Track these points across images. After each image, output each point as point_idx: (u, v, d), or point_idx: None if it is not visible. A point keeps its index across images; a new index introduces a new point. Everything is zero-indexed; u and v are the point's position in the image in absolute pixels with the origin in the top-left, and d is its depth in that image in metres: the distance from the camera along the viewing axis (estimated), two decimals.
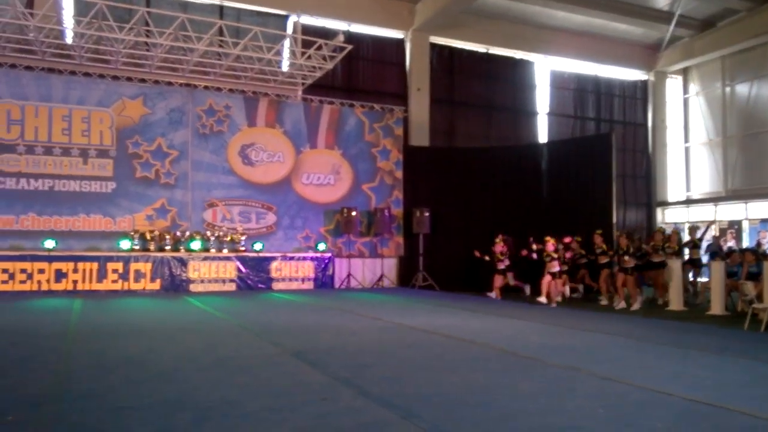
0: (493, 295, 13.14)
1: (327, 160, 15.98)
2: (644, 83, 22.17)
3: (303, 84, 15.87)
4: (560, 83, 20.62)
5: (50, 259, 12.63)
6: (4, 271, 12.28)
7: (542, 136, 19.98)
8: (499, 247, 12.97)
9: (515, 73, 19.85)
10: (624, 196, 20.94)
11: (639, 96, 22.17)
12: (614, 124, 21.34)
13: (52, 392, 4.45)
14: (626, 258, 11.34)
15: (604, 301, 12.20)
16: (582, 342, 7.20)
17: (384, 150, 16.57)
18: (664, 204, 22.03)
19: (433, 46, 18.31)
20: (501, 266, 13.02)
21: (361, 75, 17.60)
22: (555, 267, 11.87)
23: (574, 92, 20.87)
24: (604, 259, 12.15)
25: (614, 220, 14.50)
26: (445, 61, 18.71)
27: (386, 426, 3.71)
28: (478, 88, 19.11)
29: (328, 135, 16.07)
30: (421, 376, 5.19)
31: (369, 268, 16.32)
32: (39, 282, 12.48)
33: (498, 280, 13.12)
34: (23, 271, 12.44)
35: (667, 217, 22.04)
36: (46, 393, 4.41)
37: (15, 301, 10.68)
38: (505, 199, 15.87)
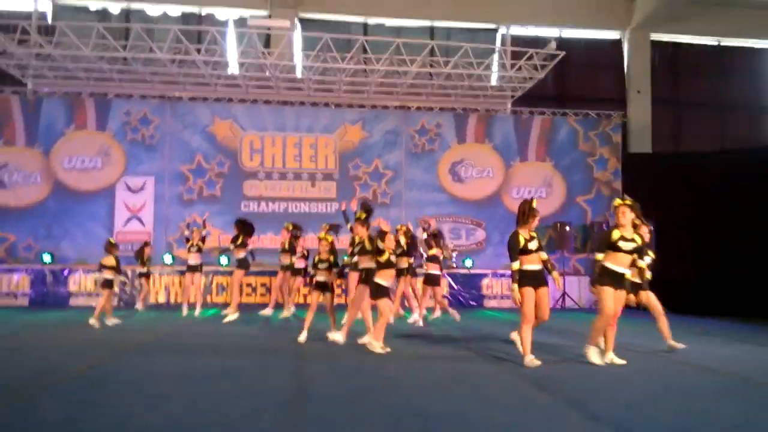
0: None
1: (538, 173, 15.55)
2: None
3: (512, 96, 15.68)
4: None
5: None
6: (248, 285, 13.84)
7: None
8: None
9: (753, 66, 17.50)
10: None
11: None
12: None
13: (297, 395, 4.84)
14: None
15: None
16: None
17: (600, 159, 15.66)
18: None
19: (654, 43, 16.94)
20: None
21: (574, 81, 16.87)
22: None
23: None
24: None
25: None
26: (668, 58, 17.17)
27: None
28: (707, 85, 17.20)
29: (539, 147, 15.64)
30: (659, 404, 4.69)
31: (585, 286, 15.42)
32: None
33: None
34: (263, 285, 13.94)
35: None
36: (292, 397, 4.81)
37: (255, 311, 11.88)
38: (744, 211, 13.69)
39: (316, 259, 7.83)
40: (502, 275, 14.63)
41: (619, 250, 6.24)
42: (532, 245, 6.26)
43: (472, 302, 14.38)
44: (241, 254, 10.77)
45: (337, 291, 10.79)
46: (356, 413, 4.26)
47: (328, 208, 14.97)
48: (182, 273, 12.55)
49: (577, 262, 15.38)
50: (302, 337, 7.61)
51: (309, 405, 4.51)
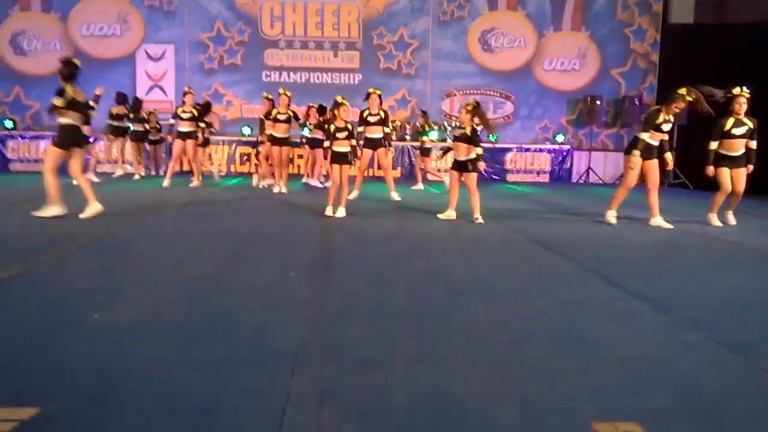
0: None
1: (572, 43, 14.84)
2: None
3: None
4: None
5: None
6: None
7: None
8: None
9: None
10: None
11: None
12: None
13: (323, 260, 4.96)
14: None
15: None
16: None
17: (639, 30, 14.82)
18: None
19: None
20: None
21: None
22: None
23: None
24: None
25: None
26: None
27: (641, 316, 3.44)
28: None
29: (575, 15, 14.79)
30: (678, 273, 4.72)
31: (611, 162, 15.21)
32: (299, 166, 13.90)
33: None
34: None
35: None
36: (317, 261, 4.94)
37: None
38: None
39: (333, 128, 7.42)
40: (527, 150, 14.45)
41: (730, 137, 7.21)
42: (666, 127, 6.83)
43: (495, 176, 14.33)
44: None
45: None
46: (378, 278, 4.36)
47: (350, 79, 14.60)
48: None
49: (606, 138, 15.05)
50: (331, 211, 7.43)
51: (332, 269, 4.63)
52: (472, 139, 7.03)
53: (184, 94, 10.87)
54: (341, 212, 7.30)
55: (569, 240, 6.12)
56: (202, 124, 11.05)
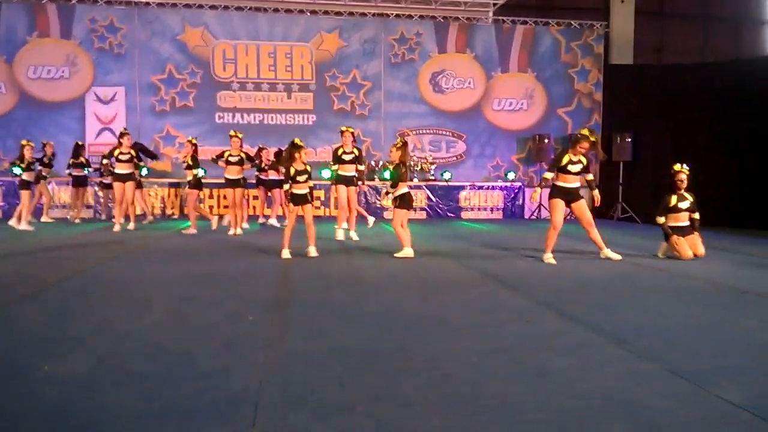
0: None
1: (520, 84, 15.35)
2: None
3: (494, 5, 15.20)
4: None
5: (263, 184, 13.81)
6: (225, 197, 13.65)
7: None
8: None
9: None
10: None
11: None
12: None
13: (283, 300, 4.91)
14: None
15: None
16: None
17: (582, 70, 15.47)
18: None
19: None
20: None
21: None
22: None
23: None
24: None
25: None
26: None
27: (596, 347, 3.52)
28: None
29: (521, 57, 15.34)
30: (631, 306, 4.85)
31: None
32: (254, 207, 13.77)
33: None
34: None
35: None
36: (276, 301, 4.87)
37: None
38: (725, 125, 13.43)
39: (293, 171, 7.47)
40: (480, 187, 14.73)
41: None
42: (574, 168, 7.10)
43: (450, 213, 14.52)
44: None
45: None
46: (339, 316, 4.34)
47: (305, 119, 14.70)
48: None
49: None
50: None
51: (291, 309, 4.59)
52: (401, 176, 7.27)
53: (121, 135, 10.77)
54: (313, 251, 7.37)
55: (523, 275, 6.23)
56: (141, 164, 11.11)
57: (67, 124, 13.87)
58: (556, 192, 7.22)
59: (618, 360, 3.33)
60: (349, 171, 9.16)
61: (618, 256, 7.26)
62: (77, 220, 12.09)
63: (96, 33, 13.98)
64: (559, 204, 7.18)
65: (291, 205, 7.43)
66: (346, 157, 9.09)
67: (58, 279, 5.62)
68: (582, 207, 7.26)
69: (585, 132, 7.19)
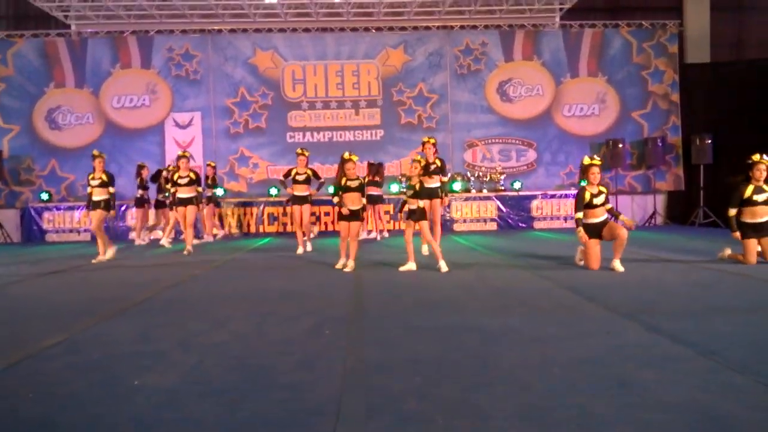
0: None
1: (590, 89, 14.97)
2: None
3: (561, 9, 14.93)
4: None
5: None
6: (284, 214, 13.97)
7: None
8: None
9: None
10: None
11: None
12: None
13: (357, 313, 4.98)
14: None
15: None
16: None
17: (656, 71, 14.92)
18: None
19: None
20: None
21: None
22: None
23: None
24: None
25: None
26: None
27: (679, 358, 3.36)
28: None
29: (590, 61, 14.98)
30: (717, 314, 4.62)
31: (638, 204, 15.13)
32: (326, 224, 14.05)
33: None
34: (313, 214, 14.03)
35: None
36: (351, 314, 4.95)
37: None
38: None
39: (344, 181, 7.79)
40: (552, 196, 14.41)
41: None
42: (597, 200, 6.98)
43: (521, 224, 14.27)
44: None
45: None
46: (414, 328, 4.35)
47: (373, 135, 14.88)
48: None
49: (633, 180, 14.99)
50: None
51: (366, 322, 4.64)
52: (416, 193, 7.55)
53: (178, 158, 10.33)
54: (351, 265, 7.54)
55: (599, 284, 6.04)
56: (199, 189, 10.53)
57: (148, 149, 14.61)
58: (586, 230, 7.01)
59: (706, 372, 3.18)
60: (432, 183, 8.90)
61: (621, 268, 6.81)
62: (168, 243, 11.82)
63: (173, 61, 14.71)
64: (589, 240, 7.00)
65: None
66: (430, 168, 8.73)
67: (144, 297, 5.91)
68: (610, 232, 6.99)
69: (587, 161, 7.06)
